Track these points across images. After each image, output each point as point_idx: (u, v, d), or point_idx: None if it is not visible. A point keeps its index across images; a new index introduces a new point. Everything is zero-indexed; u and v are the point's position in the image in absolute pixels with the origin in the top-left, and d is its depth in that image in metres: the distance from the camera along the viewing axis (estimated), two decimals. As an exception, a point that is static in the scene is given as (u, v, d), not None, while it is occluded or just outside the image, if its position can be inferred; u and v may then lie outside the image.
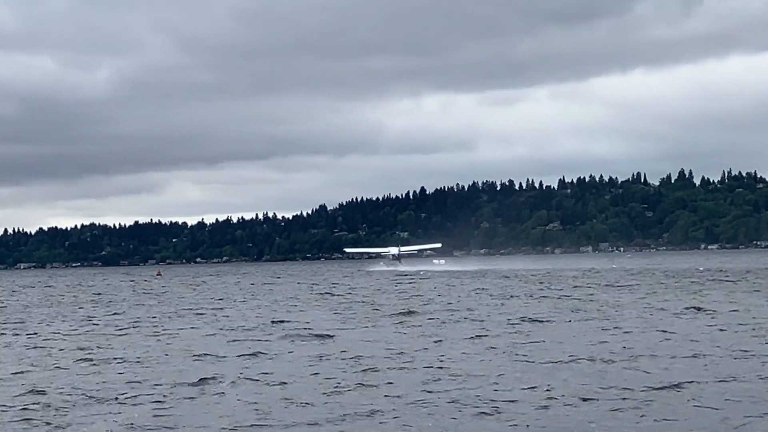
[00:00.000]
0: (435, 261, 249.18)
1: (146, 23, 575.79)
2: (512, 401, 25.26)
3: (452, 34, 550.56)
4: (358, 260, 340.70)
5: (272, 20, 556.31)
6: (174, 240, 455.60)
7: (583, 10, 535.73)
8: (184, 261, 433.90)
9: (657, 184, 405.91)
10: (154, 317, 62.37)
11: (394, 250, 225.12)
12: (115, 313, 68.23)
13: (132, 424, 23.79)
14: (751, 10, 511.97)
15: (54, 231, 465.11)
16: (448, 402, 25.36)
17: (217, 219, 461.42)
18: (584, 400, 25.11)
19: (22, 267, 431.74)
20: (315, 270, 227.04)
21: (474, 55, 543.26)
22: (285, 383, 29.19)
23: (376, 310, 61.92)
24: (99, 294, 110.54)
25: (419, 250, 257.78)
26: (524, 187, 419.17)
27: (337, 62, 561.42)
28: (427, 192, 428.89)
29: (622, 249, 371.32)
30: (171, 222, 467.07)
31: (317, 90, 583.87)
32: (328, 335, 43.74)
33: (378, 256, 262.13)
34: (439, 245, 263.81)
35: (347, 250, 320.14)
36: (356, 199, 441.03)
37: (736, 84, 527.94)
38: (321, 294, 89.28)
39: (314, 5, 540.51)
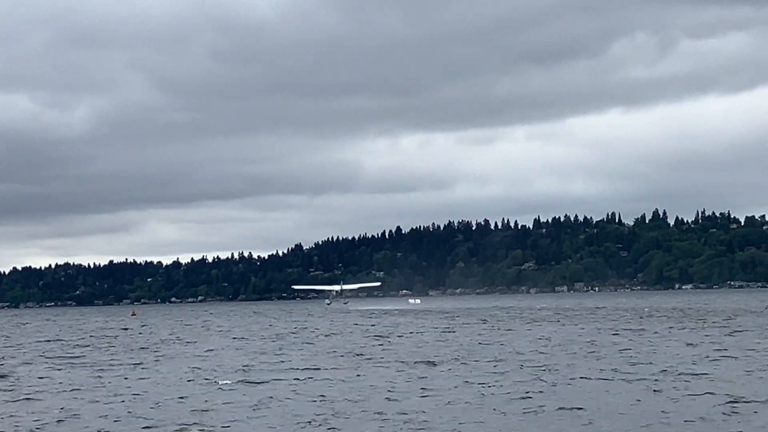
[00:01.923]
0: (410, 300, 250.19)
1: (124, 62, 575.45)
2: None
3: (430, 73, 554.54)
4: (336, 298, 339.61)
5: (250, 60, 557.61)
6: (149, 280, 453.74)
7: (561, 51, 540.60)
8: (158, 300, 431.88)
9: (631, 224, 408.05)
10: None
11: (337, 288, 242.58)
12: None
13: None
14: (727, 52, 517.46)
15: (28, 271, 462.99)
16: None
17: (192, 258, 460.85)
18: None
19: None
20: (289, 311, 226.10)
21: (452, 94, 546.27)
22: None
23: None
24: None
25: (360, 288, 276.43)
26: (500, 227, 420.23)
27: (315, 102, 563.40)
28: (403, 231, 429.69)
29: (597, 288, 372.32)
30: (146, 261, 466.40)
31: (294, 129, 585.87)
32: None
33: (323, 293, 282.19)
34: (378, 284, 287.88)
35: (295, 287, 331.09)
36: (332, 238, 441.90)
37: (712, 124, 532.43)
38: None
39: (292, 45, 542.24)
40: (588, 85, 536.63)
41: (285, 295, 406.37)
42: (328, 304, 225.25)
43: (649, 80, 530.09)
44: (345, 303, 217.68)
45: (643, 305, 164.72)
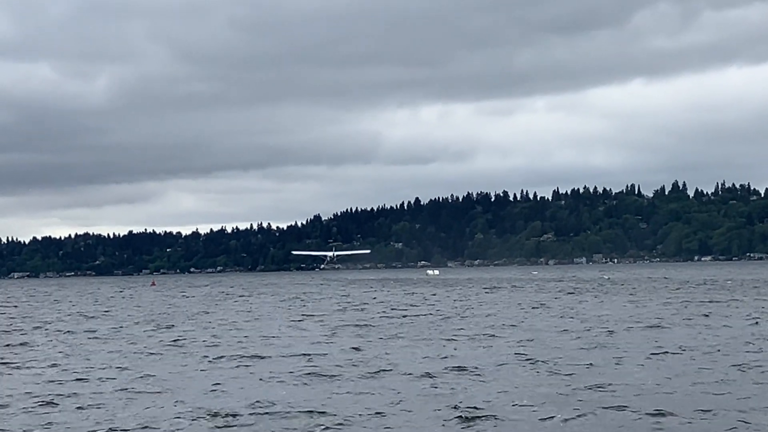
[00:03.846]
0: (429, 272, 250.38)
1: (144, 32, 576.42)
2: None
3: (450, 44, 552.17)
4: (351, 270, 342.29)
5: (270, 30, 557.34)
6: (168, 250, 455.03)
7: (582, 21, 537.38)
8: (177, 271, 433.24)
9: (651, 195, 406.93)
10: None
11: (330, 254, 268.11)
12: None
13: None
14: (750, 22, 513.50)
15: (48, 240, 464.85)
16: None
17: (211, 229, 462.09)
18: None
19: (15, 276, 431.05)
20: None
21: (472, 65, 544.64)
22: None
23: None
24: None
25: (352, 254, 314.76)
26: (518, 198, 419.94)
27: (335, 72, 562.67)
28: (422, 203, 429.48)
29: (615, 260, 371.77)
30: (165, 232, 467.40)
31: (314, 100, 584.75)
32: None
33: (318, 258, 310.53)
34: (368, 251, 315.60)
35: (294, 252, 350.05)
36: (351, 209, 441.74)
37: (735, 95, 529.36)
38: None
39: (312, 15, 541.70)
40: (610, 55, 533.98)
41: (303, 266, 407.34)
42: (322, 269, 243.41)
43: (672, 51, 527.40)
44: (336, 268, 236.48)
45: None
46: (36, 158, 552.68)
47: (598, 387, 28.33)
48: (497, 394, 27.51)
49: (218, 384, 31.38)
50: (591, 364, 33.79)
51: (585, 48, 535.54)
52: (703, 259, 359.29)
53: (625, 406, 25.02)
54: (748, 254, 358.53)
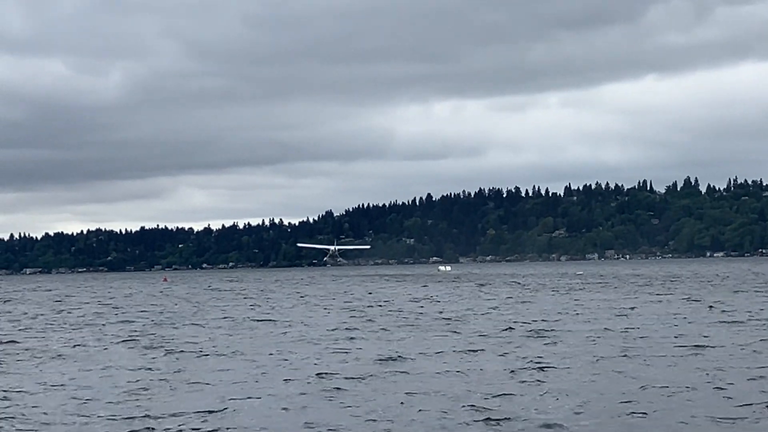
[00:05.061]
0: (441, 267, 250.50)
1: (156, 28, 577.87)
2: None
3: (462, 40, 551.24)
4: (363, 266, 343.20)
5: (281, 26, 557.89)
6: (180, 246, 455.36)
7: (595, 16, 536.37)
8: (189, 267, 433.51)
9: (663, 191, 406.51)
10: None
11: (332, 248, 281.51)
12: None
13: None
14: (763, 18, 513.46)
15: (60, 236, 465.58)
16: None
17: (223, 225, 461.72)
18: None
19: (27, 272, 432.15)
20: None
21: (484, 61, 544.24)
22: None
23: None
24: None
25: (353, 249, 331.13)
26: (530, 194, 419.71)
27: (346, 68, 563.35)
28: (434, 198, 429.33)
29: (627, 256, 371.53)
30: (177, 228, 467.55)
31: (326, 96, 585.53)
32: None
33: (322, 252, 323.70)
34: (368, 247, 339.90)
35: (299, 245, 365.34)
36: (363, 205, 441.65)
37: (748, 91, 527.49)
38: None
39: (324, 11, 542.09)
40: (622, 51, 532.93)
41: (315, 261, 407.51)
42: (324, 262, 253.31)
43: (685, 46, 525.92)
44: (338, 263, 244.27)
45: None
46: (48, 154, 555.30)
47: None
48: None
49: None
50: None
51: (597, 44, 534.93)
52: (715, 255, 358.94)
53: None
54: (760, 250, 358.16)
